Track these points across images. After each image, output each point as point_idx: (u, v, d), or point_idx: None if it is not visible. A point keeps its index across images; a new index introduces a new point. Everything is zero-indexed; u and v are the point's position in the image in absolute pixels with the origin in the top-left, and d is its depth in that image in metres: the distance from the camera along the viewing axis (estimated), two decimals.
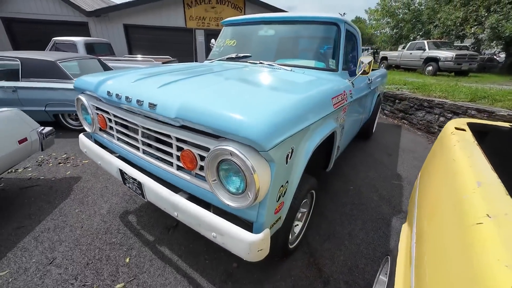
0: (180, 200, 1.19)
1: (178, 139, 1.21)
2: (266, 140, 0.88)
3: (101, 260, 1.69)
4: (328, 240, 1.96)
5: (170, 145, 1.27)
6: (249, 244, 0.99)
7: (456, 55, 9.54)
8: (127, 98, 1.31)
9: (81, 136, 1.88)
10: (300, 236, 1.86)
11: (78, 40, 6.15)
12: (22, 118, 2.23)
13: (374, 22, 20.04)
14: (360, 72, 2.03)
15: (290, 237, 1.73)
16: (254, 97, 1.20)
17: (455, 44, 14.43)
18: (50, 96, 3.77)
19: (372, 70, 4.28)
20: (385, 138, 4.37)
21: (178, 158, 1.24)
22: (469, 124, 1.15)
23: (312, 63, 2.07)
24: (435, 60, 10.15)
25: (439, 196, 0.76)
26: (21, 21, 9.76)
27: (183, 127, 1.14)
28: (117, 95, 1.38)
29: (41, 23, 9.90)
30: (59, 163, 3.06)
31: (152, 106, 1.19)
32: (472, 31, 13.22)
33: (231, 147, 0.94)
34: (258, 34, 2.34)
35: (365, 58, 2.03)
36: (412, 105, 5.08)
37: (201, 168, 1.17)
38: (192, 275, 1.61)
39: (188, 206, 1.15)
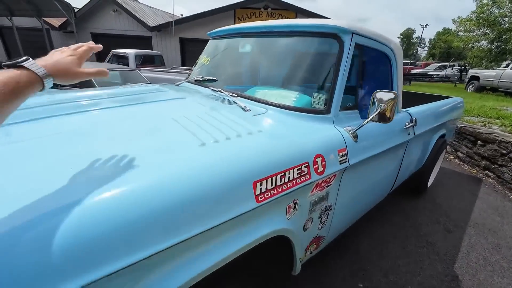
0: None
1: None
2: None
3: None
4: None
5: None
6: None
7: None
8: None
9: None
10: None
11: (130, 52, 6.77)
12: None
13: (465, 33, 16.44)
14: (371, 118, 1.18)
15: None
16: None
17: None
18: None
19: (443, 97, 3.08)
20: (449, 198, 2.99)
21: None
22: None
23: (291, 96, 1.31)
24: None
25: None
26: (103, 35, 11.88)
27: None
28: None
29: (116, 37, 11.87)
30: None
31: None
32: None
33: None
34: (234, 50, 1.73)
35: (385, 94, 1.17)
36: (504, 152, 3.46)
37: None
38: None
39: None
